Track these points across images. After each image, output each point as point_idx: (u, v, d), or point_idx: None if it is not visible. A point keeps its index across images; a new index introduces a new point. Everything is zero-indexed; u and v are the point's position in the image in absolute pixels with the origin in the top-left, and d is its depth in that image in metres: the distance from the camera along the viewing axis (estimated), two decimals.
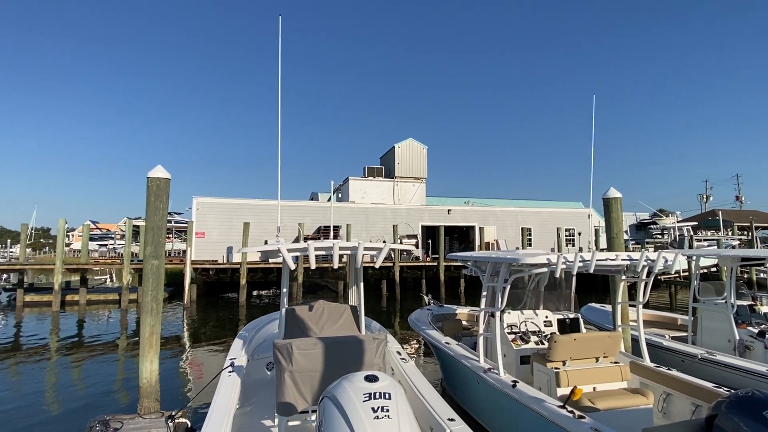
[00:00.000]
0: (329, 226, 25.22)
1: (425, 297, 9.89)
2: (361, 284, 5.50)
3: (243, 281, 19.38)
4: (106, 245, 45.19)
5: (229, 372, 4.64)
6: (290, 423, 4.35)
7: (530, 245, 28.14)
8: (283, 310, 5.16)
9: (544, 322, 6.50)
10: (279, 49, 5.77)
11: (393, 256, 21.86)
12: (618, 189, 7.10)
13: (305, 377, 3.87)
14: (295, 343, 3.86)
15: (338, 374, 3.82)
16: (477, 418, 5.66)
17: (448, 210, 28.93)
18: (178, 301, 21.11)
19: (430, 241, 26.70)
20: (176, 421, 4.74)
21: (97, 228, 48.09)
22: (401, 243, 23.69)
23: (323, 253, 4.46)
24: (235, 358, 5.04)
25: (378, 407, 2.39)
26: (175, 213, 52.01)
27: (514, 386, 4.65)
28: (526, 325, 6.36)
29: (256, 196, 26.49)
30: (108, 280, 28.78)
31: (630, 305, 6.50)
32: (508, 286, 5.11)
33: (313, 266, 4.25)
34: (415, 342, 11.62)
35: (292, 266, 4.17)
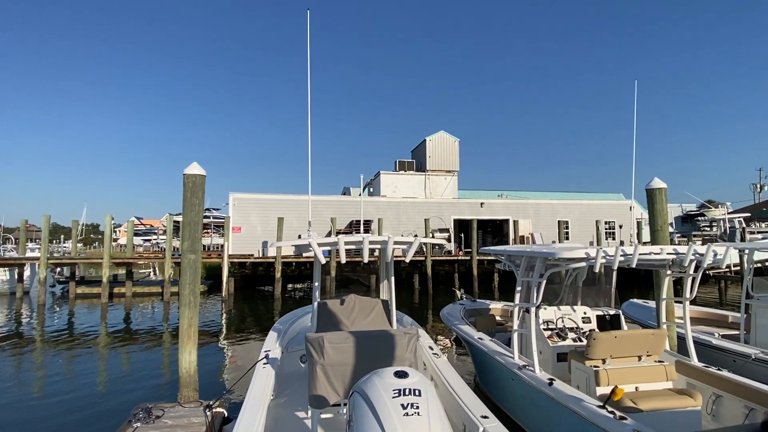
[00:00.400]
0: (360, 221, 25.37)
1: (457, 292, 9.77)
2: (392, 278, 5.47)
3: (278, 275, 19.80)
4: (149, 240, 47.29)
5: (264, 364, 4.73)
6: (323, 415, 4.39)
7: (567, 239, 27.29)
8: (315, 303, 5.21)
9: (582, 318, 6.27)
10: (307, 42, 5.77)
11: (425, 250, 21.74)
12: (662, 180, 6.72)
13: (337, 371, 3.89)
14: (326, 337, 3.88)
15: (369, 369, 3.80)
16: (511, 415, 5.54)
17: (481, 203, 28.45)
18: (216, 293, 21.84)
19: (462, 235, 26.37)
20: (214, 410, 4.88)
21: (142, 224, 50.41)
22: (433, 237, 23.50)
23: (353, 247, 4.45)
24: (269, 351, 5.13)
25: (407, 404, 2.35)
26: (214, 209, 53.78)
27: (550, 384, 4.50)
28: (563, 321, 6.16)
29: (292, 192, 26.96)
30: (152, 273, 30.11)
31: (675, 301, 6.17)
32: (544, 281, 4.94)
33: (344, 260, 4.25)
34: (447, 337, 11.52)
35: (323, 260, 4.18)
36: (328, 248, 4.56)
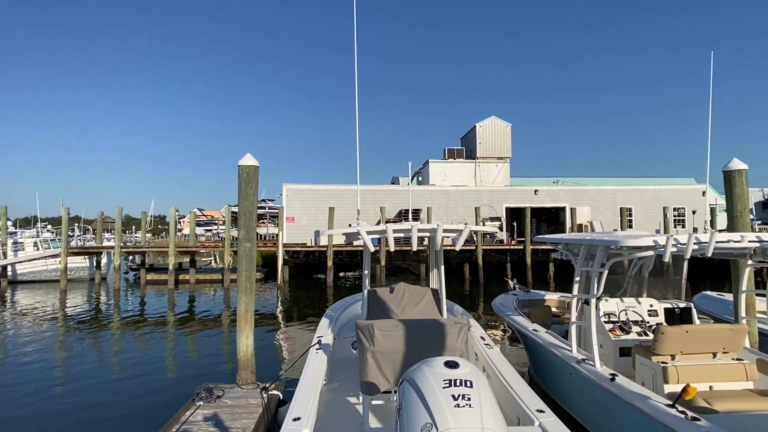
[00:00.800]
0: (409, 210, 25.30)
1: (510, 282, 9.48)
2: (442, 267, 5.37)
3: (330, 263, 20.24)
4: (210, 230, 49.97)
5: (317, 349, 4.83)
6: (374, 402, 4.42)
7: (630, 226, 25.63)
8: (365, 291, 5.23)
9: (648, 311, 5.85)
10: (354, 29, 5.74)
11: (475, 239, 21.32)
12: (742, 161, 6.08)
13: (387, 358, 3.88)
14: (376, 325, 3.88)
15: (419, 357, 3.75)
16: (569, 410, 5.30)
17: (535, 190, 27.38)
18: (272, 281, 22.75)
19: (515, 224, 25.57)
20: (270, 392, 5.07)
21: (203, 215, 53.39)
22: (484, 225, 22.98)
23: (402, 235, 4.40)
24: (322, 337, 5.23)
25: (459, 395, 2.28)
26: (269, 200, 55.82)
27: (612, 380, 4.25)
28: (626, 314, 5.78)
29: (343, 182, 27.38)
30: (212, 261, 31.86)
31: (757, 294, 5.60)
32: (606, 271, 4.64)
33: (392, 248, 4.22)
34: (499, 328, 11.26)
35: (372, 248, 4.17)
36: (377, 236, 4.54)
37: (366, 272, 5.24)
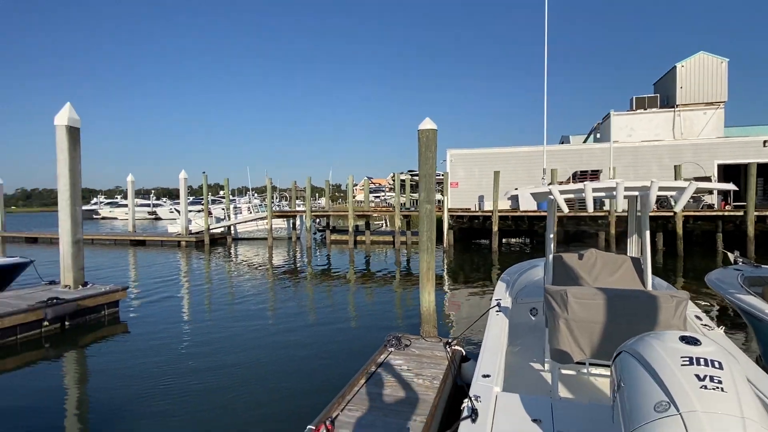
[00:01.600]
0: (586, 171, 22.73)
1: (731, 255, 7.75)
2: (647, 233, 4.64)
3: (495, 228, 19.80)
4: (378, 197, 53.83)
5: (497, 311, 4.77)
6: (563, 371, 4.18)
7: None
8: (550, 256, 4.90)
9: None
10: None
11: (673, 203, 18.02)
12: None
13: (583, 328, 3.59)
14: (570, 291, 3.60)
15: (626, 331, 3.35)
16: None
17: (764, 141, 21.53)
18: (438, 245, 23.49)
19: (732, 185, 20.70)
20: (453, 347, 5.26)
21: (372, 182, 57.76)
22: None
23: (602, 194, 3.92)
24: (500, 300, 5.14)
25: (704, 375, 1.92)
26: None
27: None
28: None
29: (505, 145, 26.18)
30: (384, 225, 34.47)
31: None
32: None
33: (567, 211, 3.80)
34: (713, 308, 9.47)
35: (566, 209, 3.82)
36: (571, 195, 4.14)
37: (550, 236, 4.89)
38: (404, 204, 30.33)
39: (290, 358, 6.55)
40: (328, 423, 3.39)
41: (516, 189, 4.34)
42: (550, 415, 2.76)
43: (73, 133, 9.23)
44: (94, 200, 71.63)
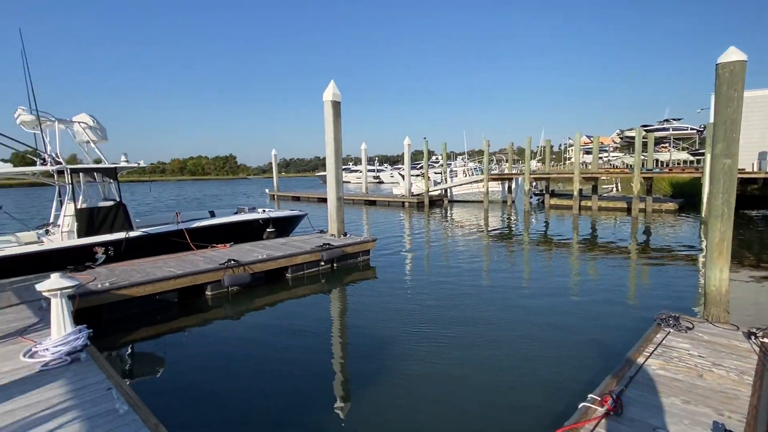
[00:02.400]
0: None
1: None
2: None
3: None
4: (601, 158, 47.56)
5: None
6: None
7: None
8: None
9: None
10: None
11: None
12: None
13: None
14: None
15: None
16: None
17: None
18: (688, 213, 19.29)
19: None
20: (760, 339, 4.16)
21: (590, 141, 51.27)
22: None
23: None
24: None
25: None
26: (673, 119, 47.01)
27: None
28: None
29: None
30: (613, 189, 30.38)
31: None
32: None
33: None
34: None
35: None
36: None
37: None
38: (631, 165, 25.92)
39: (541, 326, 6.30)
40: (615, 395, 3.10)
41: None
42: None
43: (336, 107, 10.86)
44: None
